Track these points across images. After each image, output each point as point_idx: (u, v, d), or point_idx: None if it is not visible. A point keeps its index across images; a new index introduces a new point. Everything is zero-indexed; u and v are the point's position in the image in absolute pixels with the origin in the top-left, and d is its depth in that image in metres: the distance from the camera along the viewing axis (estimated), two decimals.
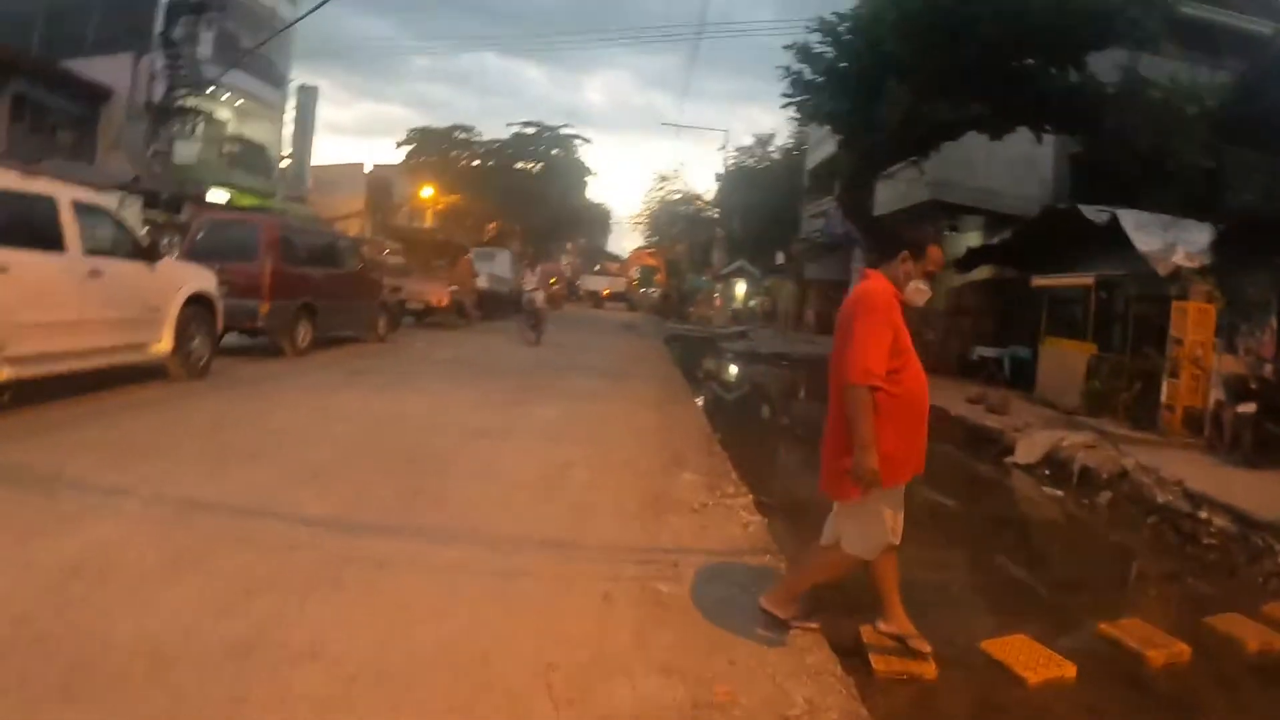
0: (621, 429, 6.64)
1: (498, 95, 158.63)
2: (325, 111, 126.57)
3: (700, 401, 10.77)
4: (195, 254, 8.87)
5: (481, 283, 18.23)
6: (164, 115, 21.13)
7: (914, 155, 13.13)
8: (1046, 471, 7.59)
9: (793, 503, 5.50)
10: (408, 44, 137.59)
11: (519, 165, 41.24)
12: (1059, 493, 7.07)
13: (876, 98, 11.51)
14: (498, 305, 20.30)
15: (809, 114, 12.99)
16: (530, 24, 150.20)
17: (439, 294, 14.92)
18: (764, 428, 10.39)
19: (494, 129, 41.12)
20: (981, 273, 15.40)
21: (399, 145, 39.04)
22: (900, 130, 11.61)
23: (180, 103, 21.55)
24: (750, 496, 4.49)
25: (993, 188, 17.03)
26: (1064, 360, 10.93)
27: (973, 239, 18.10)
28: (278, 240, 9.06)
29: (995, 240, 13.80)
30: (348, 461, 4.65)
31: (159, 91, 20.78)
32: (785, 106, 13.20)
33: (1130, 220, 9.77)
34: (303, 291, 9.39)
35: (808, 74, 12.73)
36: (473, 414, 6.76)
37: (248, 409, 6.12)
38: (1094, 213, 10.32)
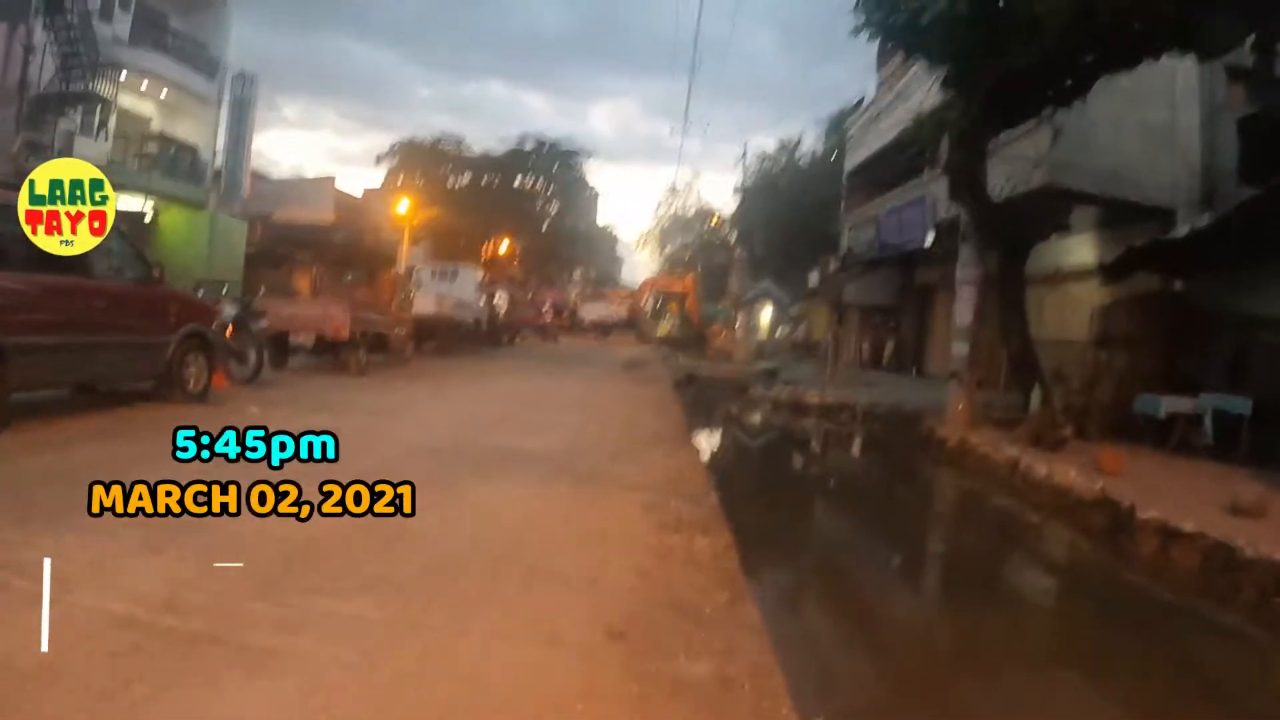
0: None
1: (504, 124, 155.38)
2: (333, 142, 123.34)
3: (733, 536, 4.73)
4: None
5: (427, 307, 13.34)
6: (48, 102, 16.95)
7: (1068, 97, 8.31)
8: None
9: None
10: (412, 72, 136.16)
11: (517, 184, 37.05)
12: None
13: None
14: (456, 336, 15.50)
15: (899, 37, 8.21)
16: (535, 52, 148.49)
17: (335, 322, 9.49)
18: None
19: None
20: (1140, 285, 10.51)
21: (378, 160, 34.93)
22: (1061, 43, 6.86)
23: (76, 88, 17.43)
24: None
25: (1120, 169, 12.26)
26: None
27: (1085, 241, 13.30)
28: None
29: (1184, 232, 8.92)
30: None
31: (43, 73, 16.63)
32: (858, 30, 8.45)
33: None
34: None
35: None
36: None
37: None
38: None
